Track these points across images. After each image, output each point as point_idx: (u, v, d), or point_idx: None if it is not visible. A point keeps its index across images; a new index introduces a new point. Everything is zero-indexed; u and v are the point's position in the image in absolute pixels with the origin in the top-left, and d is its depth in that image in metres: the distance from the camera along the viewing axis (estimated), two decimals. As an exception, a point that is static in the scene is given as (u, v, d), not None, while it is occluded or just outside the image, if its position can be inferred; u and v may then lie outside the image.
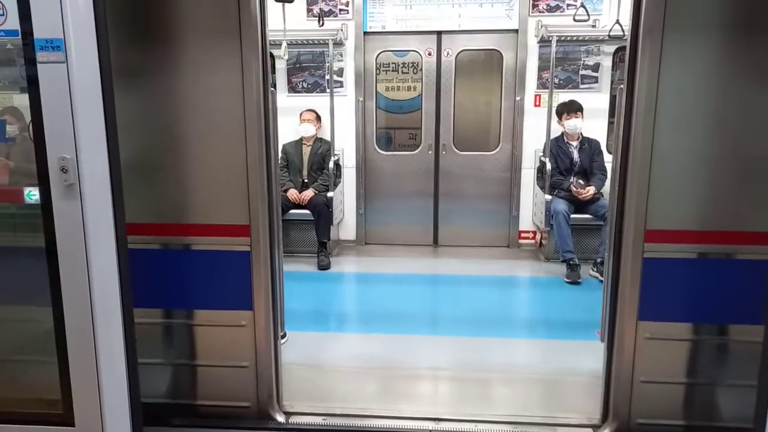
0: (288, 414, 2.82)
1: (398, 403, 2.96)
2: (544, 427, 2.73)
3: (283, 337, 3.21)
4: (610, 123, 5.57)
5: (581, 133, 5.45)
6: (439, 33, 5.90)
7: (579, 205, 5.25)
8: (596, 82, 5.67)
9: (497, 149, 6.04)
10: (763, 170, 2.38)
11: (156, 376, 2.75)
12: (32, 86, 1.98)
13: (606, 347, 2.68)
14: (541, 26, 5.50)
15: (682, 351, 2.57)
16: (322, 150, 5.73)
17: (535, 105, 5.80)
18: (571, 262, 5.00)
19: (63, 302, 2.09)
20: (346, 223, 6.20)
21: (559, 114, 5.44)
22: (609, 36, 4.84)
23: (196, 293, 2.69)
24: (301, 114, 5.74)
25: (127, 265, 2.19)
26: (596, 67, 5.66)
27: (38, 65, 1.96)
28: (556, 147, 5.46)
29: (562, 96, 5.60)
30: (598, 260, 5.05)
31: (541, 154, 5.62)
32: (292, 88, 5.97)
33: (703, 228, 2.46)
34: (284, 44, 5.16)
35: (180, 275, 2.69)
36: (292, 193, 5.50)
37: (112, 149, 2.10)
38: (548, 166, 5.36)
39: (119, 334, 2.20)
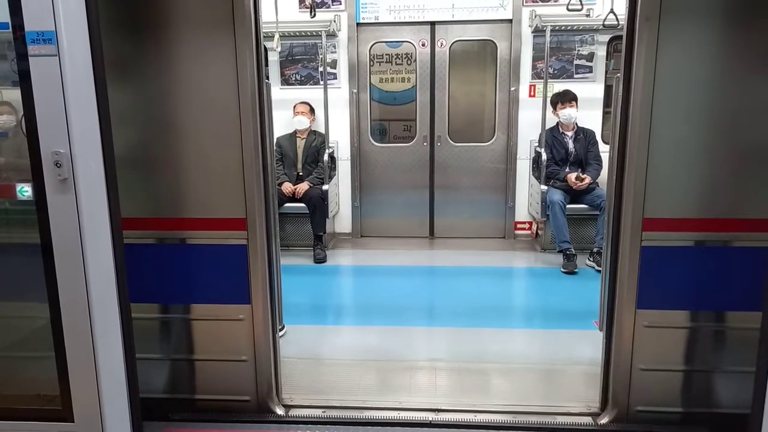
0: (287, 407, 2.82)
1: (397, 395, 2.96)
2: (543, 416, 2.73)
3: (281, 330, 3.20)
4: (606, 113, 5.57)
5: (576, 123, 5.45)
6: (432, 23, 5.87)
7: (575, 195, 5.26)
8: (591, 71, 5.67)
9: (492, 140, 6.03)
10: (761, 157, 2.38)
11: (155, 370, 2.74)
12: (24, 80, 1.95)
13: (605, 335, 2.68)
14: (535, 16, 5.49)
15: (680, 338, 2.58)
16: (317, 143, 5.70)
17: (530, 95, 5.79)
18: (567, 252, 5.01)
19: (60, 298, 2.07)
20: (341, 215, 6.18)
21: (554, 104, 5.44)
22: (603, 25, 4.83)
23: (193, 287, 2.68)
24: (294, 107, 5.71)
25: (123, 260, 2.18)
26: (591, 57, 5.65)
27: (30, 58, 1.92)
28: (552, 137, 5.46)
29: (557, 86, 5.59)
30: (595, 250, 5.07)
31: (537, 144, 5.62)
32: (285, 81, 5.93)
33: (701, 216, 2.46)
34: (277, 36, 5.12)
35: (177, 269, 2.67)
36: (287, 187, 5.48)
37: (106, 143, 2.08)
38: (544, 156, 5.36)
39: (117, 330, 2.18)
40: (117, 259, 2.15)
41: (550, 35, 5.40)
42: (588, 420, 2.71)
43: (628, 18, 2.43)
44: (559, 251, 5.10)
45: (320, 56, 5.76)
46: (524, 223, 6.08)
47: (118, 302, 2.17)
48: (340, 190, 6.09)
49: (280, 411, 2.78)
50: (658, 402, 2.62)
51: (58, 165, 1.98)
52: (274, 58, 5.79)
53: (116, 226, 2.14)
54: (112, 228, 2.13)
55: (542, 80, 5.55)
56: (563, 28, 5.52)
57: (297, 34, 5.72)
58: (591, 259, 5.11)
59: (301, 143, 5.72)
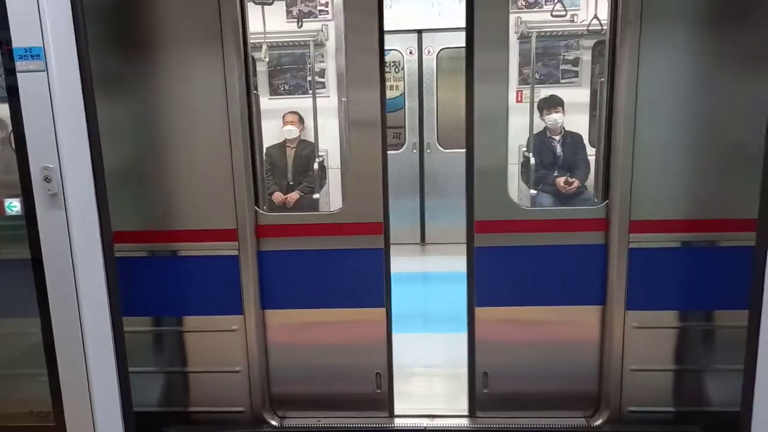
0: (282, 417, 2.81)
1: (393, 401, 2.96)
2: (538, 419, 2.75)
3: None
4: (592, 116, 5.62)
5: (563, 128, 5.49)
6: (419, 31, 5.91)
7: (564, 198, 5.29)
8: (576, 76, 5.73)
9: (481, 146, 6.06)
10: (742, 157, 2.42)
11: (148, 384, 2.72)
12: (12, 96, 1.95)
13: (468, 334, 2.73)
14: (521, 22, 5.54)
15: (669, 338, 2.61)
16: (306, 152, 5.71)
17: (517, 101, 5.83)
18: (557, 256, 5.03)
19: (51, 313, 2.06)
20: (332, 224, 6.17)
21: (540, 110, 5.48)
22: (588, 30, 4.89)
23: (185, 299, 2.68)
24: (283, 116, 5.71)
25: (115, 274, 2.17)
26: (576, 62, 5.71)
27: (18, 74, 1.93)
28: (540, 142, 5.49)
29: (544, 91, 5.64)
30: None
31: (525, 149, 5.66)
32: (274, 91, 5.94)
33: (687, 217, 2.50)
34: (264, 47, 5.14)
35: (169, 282, 2.67)
36: (278, 196, 5.48)
37: (95, 157, 2.08)
38: (532, 161, 5.40)
39: (109, 344, 2.18)
40: (108, 273, 2.15)
41: (536, 41, 5.46)
42: (581, 422, 2.73)
43: (610, 23, 2.48)
44: (550, 255, 5.12)
45: (308, 66, 5.78)
46: (515, 227, 6.09)
47: (110, 316, 2.17)
48: (331, 199, 6.09)
49: (274, 421, 2.78)
50: (650, 402, 2.65)
51: (48, 180, 1.98)
52: (262, 68, 5.79)
53: (107, 239, 2.14)
54: (102, 242, 2.13)
55: (529, 86, 5.60)
56: (549, 34, 5.58)
57: (285, 44, 5.73)
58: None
59: (291, 153, 5.72)
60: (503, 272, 2.66)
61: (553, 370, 2.74)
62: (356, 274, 2.71)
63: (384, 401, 2.81)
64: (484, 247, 2.64)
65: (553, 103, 5.40)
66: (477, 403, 2.78)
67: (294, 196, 5.49)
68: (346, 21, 2.58)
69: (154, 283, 2.66)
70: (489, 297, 2.67)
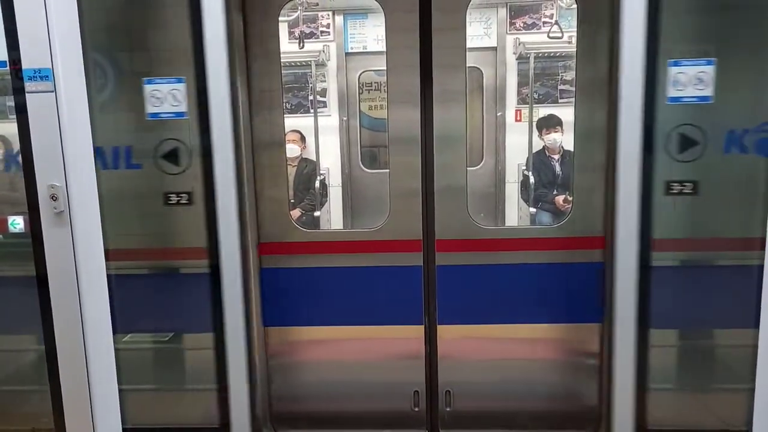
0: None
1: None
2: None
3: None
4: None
5: (562, 147, 5.54)
6: (419, 52, 5.98)
7: (563, 217, 5.31)
8: (575, 96, 5.77)
9: (481, 164, 6.09)
10: (745, 177, 2.45)
11: (142, 400, 2.72)
12: (21, 115, 1.99)
13: (426, 355, 2.75)
14: (519, 43, 5.62)
15: (673, 357, 2.61)
16: (308, 170, 5.75)
17: (516, 120, 5.89)
18: (557, 274, 5.04)
19: (55, 329, 2.08)
20: (333, 242, 6.19)
21: (539, 129, 5.53)
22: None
23: (183, 316, 2.68)
24: (285, 135, 5.76)
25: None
26: (574, 82, 5.76)
27: (27, 95, 1.97)
28: (539, 161, 5.54)
29: (543, 110, 5.70)
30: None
31: (524, 168, 5.70)
32: (276, 110, 5.99)
33: (689, 236, 2.51)
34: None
35: (167, 299, 2.68)
36: (279, 214, 5.50)
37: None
38: (531, 179, 5.44)
39: (112, 361, 2.19)
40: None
41: (534, 61, 5.53)
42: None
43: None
44: (550, 273, 5.13)
45: (310, 85, 5.85)
46: (514, 245, 6.11)
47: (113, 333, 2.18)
48: (332, 217, 6.12)
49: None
50: (654, 422, 2.64)
51: (54, 198, 2.01)
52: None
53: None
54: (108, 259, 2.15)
55: (528, 105, 5.66)
56: (546, 54, 5.66)
57: (287, 64, 5.80)
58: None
59: (291, 171, 5.76)
60: (468, 290, 2.72)
61: (540, 388, 2.80)
62: (390, 292, 2.74)
63: (421, 419, 2.84)
64: (446, 266, 2.69)
65: (551, 123, 5.46)
66: (440, 421, 2.81)
67: (295, 213, 5.51)
68: (387, 39, 2.74)
69: (153, 300, 2.67)
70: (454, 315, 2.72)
